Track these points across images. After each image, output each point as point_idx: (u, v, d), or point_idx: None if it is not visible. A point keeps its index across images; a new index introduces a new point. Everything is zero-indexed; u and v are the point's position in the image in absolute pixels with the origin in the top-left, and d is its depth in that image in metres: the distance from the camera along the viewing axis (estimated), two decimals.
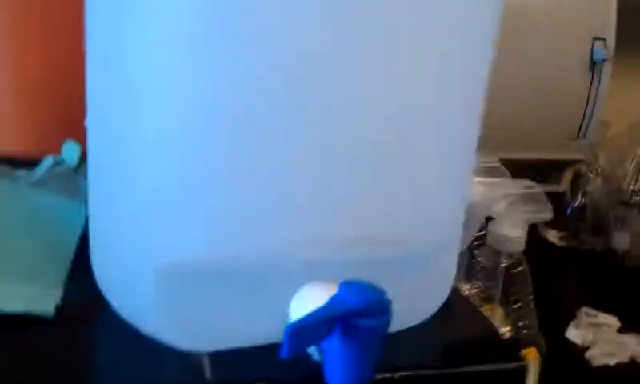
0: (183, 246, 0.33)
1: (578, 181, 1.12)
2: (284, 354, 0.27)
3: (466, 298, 0.45)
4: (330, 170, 0.33)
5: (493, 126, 1.01)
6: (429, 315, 0.40)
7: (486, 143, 0.92)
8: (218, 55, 0.30)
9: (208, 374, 0.34)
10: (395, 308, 0.37)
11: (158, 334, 0.35)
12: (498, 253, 0.54)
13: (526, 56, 0.94)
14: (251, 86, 0.31)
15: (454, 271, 0.41)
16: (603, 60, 0.94)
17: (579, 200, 1.12)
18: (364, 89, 0.33)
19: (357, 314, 0.28)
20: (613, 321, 0.81)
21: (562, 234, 1.13)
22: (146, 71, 0.31)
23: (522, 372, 0.39)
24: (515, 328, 0.56)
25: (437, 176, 0.37)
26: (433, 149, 0.35)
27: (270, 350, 0.34)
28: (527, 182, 0.54)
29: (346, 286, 0.29)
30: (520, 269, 0.54)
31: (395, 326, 0.38)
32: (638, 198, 1.08)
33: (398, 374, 0.36)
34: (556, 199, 1.19)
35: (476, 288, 0.57)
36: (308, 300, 0.32)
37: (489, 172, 0.59)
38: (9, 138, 0.62)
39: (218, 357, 0.35)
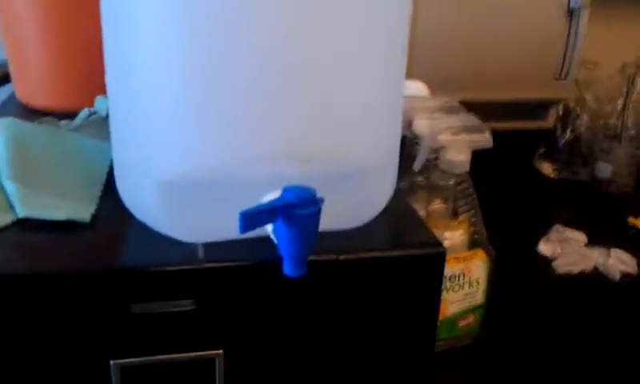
0: (175, 163, 0.45)
1: (566, 117, 1.22)
2: (240, 230, 0.40)
3: (409, 207, 0.57)
4: (274, 100, 0.45)
5: (478, 68, 1.12)
6: (368, 219, 0.52)
7: (466, 83, 1.03)
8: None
9: (201, 255, 0.47)
10: (337, 212, 0.50)
11: (164, 231, 0.49)
12: (448, 173, 0.66)
13: (508, 3, 1.03)
14: (216, 30, 0.42)
15: (391, 185, 0.53)
16: (579, 7, 1.02)
17: (568, 135, 1.22)
18: (298, 16, 0.43)
19: (292, 205, 0.41)
20: (580, 236, 0.93)
21: (556, 166, 1.23)
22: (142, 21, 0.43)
23: (441, 258, 0.51)
24: (468, 233, 0.68)
25: (366, 100, 0.47)
26: (361, 76, 0.46)
27: (249, 241, 0.47)
28: (469, 116, 0.65)
29: (288, 188, 0.42)
30: (466, 185, 0.66)
31: (337, 225, 0.51)
32: (625, 133, 1.17)
33: (341, 256, 0.49)
34: (547, 135, 1.30)
35: (436, 205, 0.69)
36: (267, 199, 0.45)
37: (446, 110, 0.70)
38: (55, 95, 0.76)
39: (210, 245, 0.48)
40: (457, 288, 0.66)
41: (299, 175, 0.46)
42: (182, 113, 0.44)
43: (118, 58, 0.46)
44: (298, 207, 0.41)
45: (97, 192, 0.55)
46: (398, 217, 0.55)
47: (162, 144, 0.46)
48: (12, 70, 0.79)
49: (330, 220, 0.49)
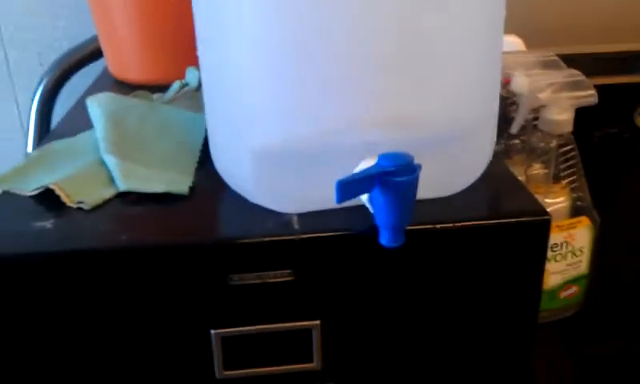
0: (270, 132, 0.45)
1: None
2: (337, 200, 0.39)
3: (509, 172, 0.54)
4: (373, 65, 0.43)
5: (575, 19, 1.06)
6: (466, 186, 0.50)
7: (562, 36, 0.98)
8: None
9: (296, 226, 0.47)
10: (435, 179, 0.48)
11: (259, 201, 0.48)
12: (549, 135, 0.62)
13: None
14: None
15: (490, 149, 0.50)
16: None
17: None
18: None
19: (389, 173, 0.40)
20: None
21: None
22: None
23: (546, 226, 0.48)
24: (570, 199, 0.65)
25: (463, 59, 0.45)
26: (457, 35, 0.44)
27: (344, 211, 0.46)
28: (572, 71, 0.61)
29: (384, 155, 0.41)
30: (569, 148, 0.62)
31: (435, 193, 0.49)
32: None
33: (438, 225, 0.47)
34: None
35: (536, 169, 0.66)
36: (361, 167, 0.44)
37: (545, 65, 0.66)
38: (146, 69, 0.78)
39: (304, 216, 0.48)
40: (559, 257, 0.62)
41: (396, 142, 0.45)
42: (276, 80, 0.44)
43: (210, 28, 0.46)
44: (396, 174, 0.40)
45: (193, 164, 0.55)
46: (497, 182, 0.52)
47: (256, 113, 0.45)
48: (103, 45, 0.81)
49: (427, 187, 0.47)
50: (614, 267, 0.73)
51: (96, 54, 0.95)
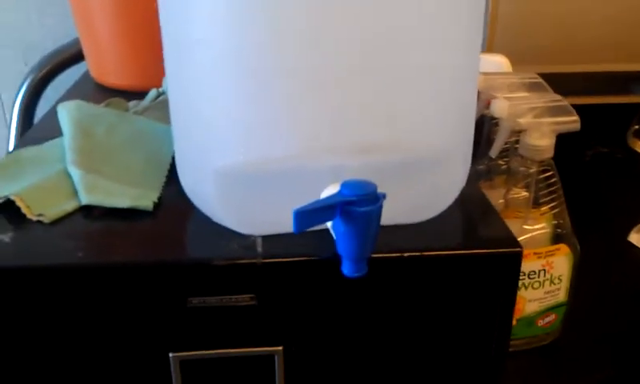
0: (234, 153, 0.44)
1: None
2: (295, 230, 0.37)
3: (483, 198, 0.53)
4: (343, 86, 0.42)
5: (566, 37, 1.04)
6: (438, 212, 0.49)
7: (553, 54, 0.96)
8: None
9: (260, 249, 0.46)
10: (405, 205, 0.46)
11: (223, 222, 0.47)
12: (529, 160, 0.60)
13: None
14: (274, 15, 0.39)
15: (463, 174, 0.49)
16: None
17: None
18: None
19: (350, 203, 0.38)
20: None
21: None
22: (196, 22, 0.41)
23: (517, 259, 0.47)
24: (550, 226, 0.63)
25: (437, 87, 0.44)
26: (429, 57, 0.42)
27: (309, 234, 0.44)
28: (555, 96, 0.59)
29: (346, 184, 0.39)
30: (550, 174, 0.61)
31: (405, 218, 0.48)
32: None
33: (406, 253, 0.46)
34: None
35: (514, 194, 0.65)
36: (327, 192, 0.43)
37: (529, 87, 0.65)
38: (126, 74, 0.76)
39: (269, 239, 0.47)
40: (537, 285, 0.61)
41: (363, 166, 0.44)
42: (239, 102, 0.42)
43: (174, 45, 0.45)
44: (358, 204, 0.38)
45: (161, 178, 0.54)
46: (471, 208, 0.51)
47: (217, 131, 0.44)
48: (84, 48, 0.80)
49: (396, 213, 0.46)
50: (594, 296, 0.71)
51: (81, 56, 0.94)
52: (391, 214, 0.43)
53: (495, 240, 0.47)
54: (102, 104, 0.64)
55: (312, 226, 0.38)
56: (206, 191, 0.46)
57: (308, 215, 0.37)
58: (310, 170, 0.44)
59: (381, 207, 0.39)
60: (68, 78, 0.92)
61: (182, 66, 0.45)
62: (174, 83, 0.46)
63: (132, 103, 0.67)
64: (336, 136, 0.43)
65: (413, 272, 0.46)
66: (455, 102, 0.46)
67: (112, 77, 0.77)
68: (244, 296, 0.45)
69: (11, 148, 1.02)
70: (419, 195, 0.47)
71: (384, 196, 0.40)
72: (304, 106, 0.42)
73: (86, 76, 0.84)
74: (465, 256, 0.46)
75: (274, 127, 0.43)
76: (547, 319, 0.64)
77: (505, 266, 0.47)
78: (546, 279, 0.62)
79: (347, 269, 0.41)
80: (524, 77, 0.65)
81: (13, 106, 1.00)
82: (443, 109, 0.45)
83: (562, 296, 0.64)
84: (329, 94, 0.42)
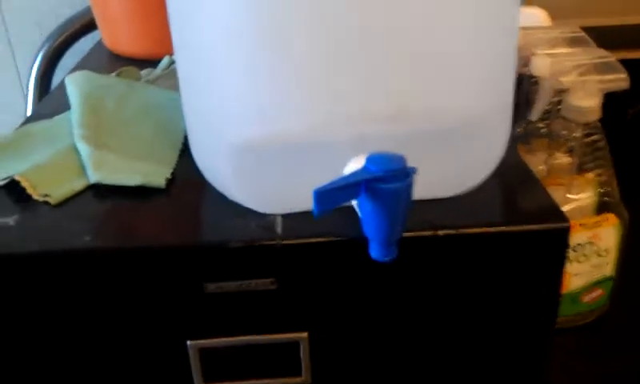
0: (249, 125, 0.40)
1: None
2: (315, 211, 0.33)
3: (524, 168, 0.48)
4: (365, 49, 0.37)
5: None
6: (475, 184, 0.44)
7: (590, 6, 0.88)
8: None
9: (279, 230, 0.42)
10: (437, 177, 0.42)
11: (240, 200, 0.43)
12: (573, 123, 0.55)
13: None
14: None
15: (503, 143, 0.44)
16: None
17: None
18: None
19: (377, 179, 0.34)
20: None
21: None
22: None
23: (564, 234, 0.42)
24: (596, 194, 0.58)
25: (469, 44, 0.39)
26: (463, 10, 0.38)
27: (332, 213, 0.40)
28: (601, 51, 0.54)
29: (372, 157, 0.35)
30: (596, 137, 0.56)
31: (439, 192, 0.43)
32: None
33: (440, 231, 0.42)
34: None
35: (558, 159, 0.60)
36: (351, 168, 0.39)
37: (571, 42, 0.59)
38: (138, 42, 0.72)
39: (289, 217, 0.43)
40: (582, 259, 0.56)
41: (388, 136, 0.39)
42: (252, 72, 0.38)
43: (180, 14, 0.41)
44: (385, 181, 0.34)
45: (175, 151, 0.50)
46: (509, 178, 0.46)
47: (234, 104, 0.40)
48: (96, 16, 0.76)
49: (428, 187, 0.42)
50: None
51: (96, 24, 0.90)
52: (423, 188, 0.39)
53: (539, 214, 0.43)
54: (114, 74, 0.60)
55: (335, 206, 0.34)
56: (220, 168, 0.43)
57: (330, 195, 0.33)
58: (331, 142, 0.40)
59: (411, 184, 0.35)
60: (85, 44, 0.88)
61: (191, 35, 0.41)
62: (182, 53, 0.42)
63: (145, 72, 0.63)
64: (357, 104, 0.39)
65: (448, 251, 0.42)
66: (491, 60, 0.41)
67: (124, 45, 0.73)
68: (264, 280, 0.42)
69: None
70: (454, 166, 0.43)
71: (414, 171, 0.35)
72: (320, 73, 0.38)
73: (100, 45, 0.80)
74: (506, 233, 0.42)
75: (290, 95, 0.39)
76: (593, 295, 0.60)
77: (551, 242, 0.42)
78: (592, 252, 0.57)
79: (375, 252, 0.37)
80: (565, 31, 0.60)
81: (29, 75, 0.97)
82: (477, 69, 0.40)
83: (609, 270, 0.59)
84: (346, 57, 0.38)
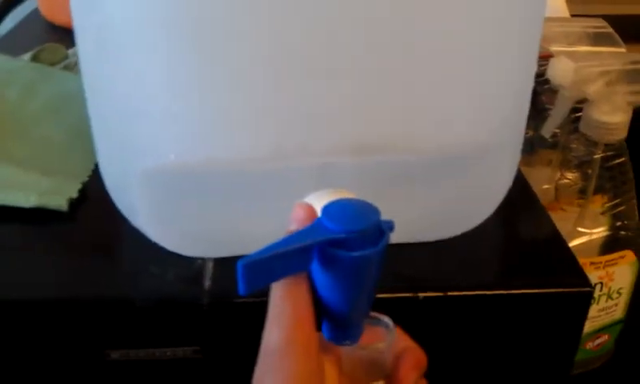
0: (170, 148, 0.29)
1: None
2: (241, 290, 0.23)
3: (535, 203, 0.38)
4: (339, 69, 0.27)
5: None
6: (473, 226, 0.34)
7: None
8: None
9: (208, 281, 0.31)
10: (426, 218, 0.32)
11: (156, 239, 0.33)
12: (593, 142, 0.45)
13: None
14: None
15: (509, 178, 0.34)
16: None
17: None
18: None
19: (337, 243, 0.23)
20: None
21: None
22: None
23: (587, 296, 0.32)
24: (612, 228, 0.48)
25: (468, 57, 0.29)
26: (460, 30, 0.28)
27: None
28: (632, 55, 0.43)
29: (330, 207, 0.24)
30: (619, 160, 0.45)
31: (429, 235, 0.33)
32: None
33: (420, 295, 0.31)
34: None
35: (567, 179, 0.49)
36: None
37: (594, 38, 0.49)
38: None
39: (222, 262, 0.32)
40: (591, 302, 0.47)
41: (357, 168, 0.29)
42: (176, 69, 0.27)
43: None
44: (348, 246, 0.23)
45: (91, 157, 0.39)
46: (517, 219, 0.36)
47: (150, 118, 0.29)
48: None
49: (414, 229, 0.32)
50: None
51: None
52: (406, 230, 0.28)
53: (550, 269, 0.33)
54: (29, 53, 0.49)
55: (272, 281, 0.24)
56: (133, 200, 0.32)
57: (263, 266, 0.23)
58: (279, 172, 0.29)
59: (386, 246, 0.24)
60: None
61: (95, 14, 0.30)
62: (84, 38, 0.31)
63: (72, 50, 0.51)
64: (319, 132, 0.28)
65: (432, 315, 0.32)
66: (498, 78, 0.31)
67: (61, 14, 0.62)
68: (184, 349, 0.31)
69: None
70: (446, 206, 0.32)
71: (391, 227, 0.25)
72: (264, 85, 0.27)
73: (34, 14, 0.69)
74: (506, 296, 0.32)
75: (222, 112, 0.28)
76: (598, 341, 0.50)
77: (568, 306, 0.32)
78: (602, 294, 0.48)
79: (330, 334, 0.26)
80: (587, 24, 0.49)
81: None
82: (479, 89, 0.30)
83: (618, 313, 0.50)
84: (301, 64, 0.27)
